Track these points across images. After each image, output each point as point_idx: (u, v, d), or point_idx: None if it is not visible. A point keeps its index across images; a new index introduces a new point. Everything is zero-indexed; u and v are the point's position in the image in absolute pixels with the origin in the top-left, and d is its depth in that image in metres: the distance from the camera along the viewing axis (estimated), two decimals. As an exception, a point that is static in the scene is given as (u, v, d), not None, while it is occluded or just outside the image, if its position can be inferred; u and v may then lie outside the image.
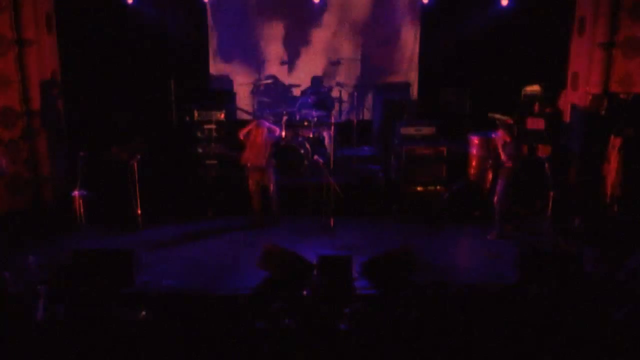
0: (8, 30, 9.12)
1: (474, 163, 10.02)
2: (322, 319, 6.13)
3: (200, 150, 10.54)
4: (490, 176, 9.35)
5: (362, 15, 12.44)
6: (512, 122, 9.90)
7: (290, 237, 8.75)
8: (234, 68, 12.54)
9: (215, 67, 12.49)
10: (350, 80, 12.48)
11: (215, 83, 12.44)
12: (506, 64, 11.58)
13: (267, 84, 12.12)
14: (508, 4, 11.03)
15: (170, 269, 7.76)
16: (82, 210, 9.12)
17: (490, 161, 9.39)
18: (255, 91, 12.27)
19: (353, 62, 12.53)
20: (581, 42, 10.30)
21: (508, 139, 8.73)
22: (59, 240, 8.72)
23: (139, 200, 9.05)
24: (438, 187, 9.80)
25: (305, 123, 10.88)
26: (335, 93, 12.29)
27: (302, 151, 10.36)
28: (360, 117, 12.02)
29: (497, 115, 10.55)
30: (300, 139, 10.59)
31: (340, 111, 12.25)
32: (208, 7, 12.13)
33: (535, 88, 10.71)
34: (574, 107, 10.46)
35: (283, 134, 10.09)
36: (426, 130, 10.36)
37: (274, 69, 12.48)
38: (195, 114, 10.56)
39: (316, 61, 12.59)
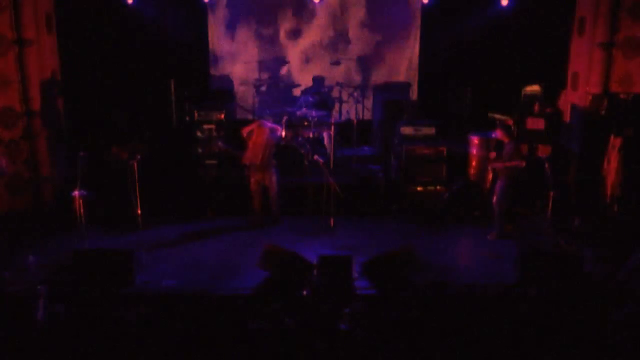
0: (8, 30, 9.12)
1: (474, 163, 10.02)
2: (322, 319, 6.14)
3: (200, 150, 10.54)
4: (490, 176, 9.35)
5: (362, 15, 12.43)
6: (511, 122, 9.92)
7: (290, 237, 8.75)
8: (234, 68, 12.54)
9: (215, 67, 12.50)
10: (350, 80, 12.47)
11: (215, 83, 12.44)
12: (506, 64, 11.58)
13: (267, 84, 12.11)
14: (508, 4, 11.03)
15: (170, 269, 7.76)
16: (82, 210, 9.10)
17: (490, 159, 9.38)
18: (256, 91, 12.27)
19: (353, 62, 12.53)
20: (581, 42, 10.30)
21: (506, 140, 8.74)
22: (59, 240, 8.72)
23: (139, 200, 9.05)
24: (438, 187, 9.80)
25: (305, 123, 10.88)
26: (335, 93, 12.29)
27: (302, 151, 10.37)
28: (360, 117, 12.01)
29: (497, 115, 10.57)
30: (300, 139, 10.59)
31: (340, 111, 12.25)
32: (208, 7, 12.13)
33: (535, 88, 10.71)
34: (574, 107, 10.46)
35: (283, 133, 10.10)
36: (426, 130, 10.36)
37: (274, 68, 12.48)
38: (195, 114, 10.56)
39: (316, 61, 12.59)
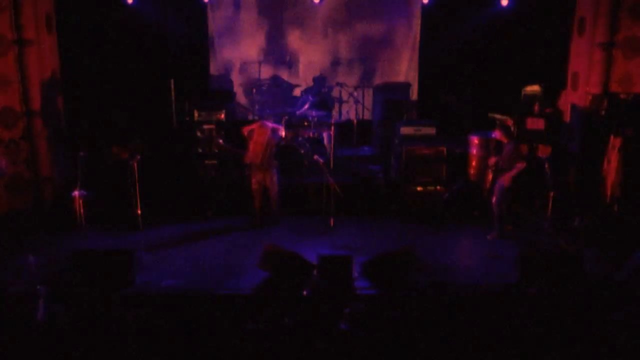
0: (8, 30, 9.12)
1: (474, 163, 10.03)
2: (322, 319, 6.13)
3: (200, 150, 10.54)
4: (490, 176, 9.34)
5: (362, 15, 12.43)
6: (511, 122, 9.92)
7: (290, 237, 8.75)
8: (234, 68, 12.54)
9: (215, 67, 12.50)
10: (350, 80, 12.48)
11: (215, 83, 12.44)
12: (506, 64, 11.59)
13: (267, 84, 12.11)
14: (508, 4, 11.04)
15: (170, 269, 7.76)
16: (82, 210, 9.12)
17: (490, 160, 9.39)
18: (256, 91, 12.27)
19: (353, 62, 12.53)
20: (581, 42, 10.30)
21: (505, 141, 8.74)
22: (59, 240, 8.72)
23: (139, 200, 9.04)
24: (438, 187, 9.80)
25: (305, 123, 10.88)
26: (335, 93, 12.29)
27: (302, 151, 10.37)
28: (360, 117, 12.01)
29: (497, 116, 10.57)
30: (300, 139, 10.59)
31: (340, 111, 12.25)
32: (208, 7, 12.13)
33: (535, 88, 10.71)
34: (574, 107, 10.46)
35: (283, 134, 10.10)
36: (426, 130, 10.36)
37: (274, 68, 12.48)
38: (195, 114, 10.56)
39: (316, 61, 12.60)
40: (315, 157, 9.45)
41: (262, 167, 9.11)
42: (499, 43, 11.76)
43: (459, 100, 11.86)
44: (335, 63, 12.46)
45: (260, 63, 12.42)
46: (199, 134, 10.53)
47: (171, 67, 11.56)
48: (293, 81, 12.53)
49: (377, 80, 12.52)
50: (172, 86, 11.07)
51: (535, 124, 10.11)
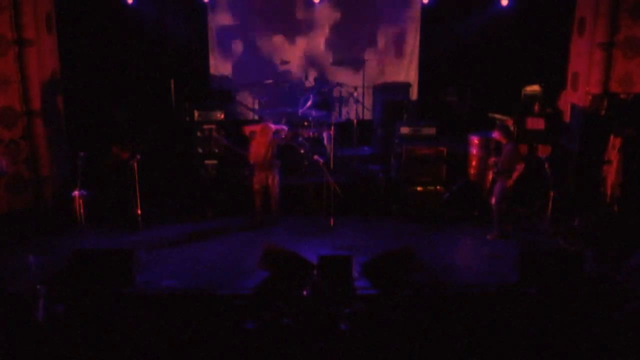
0: (8, 30, 9.12)
1: (474, 163, 10.03)
2: (322, 319, 6.14)
3: (200, 150, 10.54)
4: (490, 176, 9.35)
5: (362, 15, 12.43)
6: (511, 122, 9.92)
7: (290, 237, 8.75)
8: (234, 68, 12.54)
9: (215, 67, 12.50)
10: (350, 81, 12.47)
11: (215, 83, 12.45)
12: (506, 64, 11.59)
13: (267, 83, 12.11)
14: (508, 4, 11.04)
15: (170, 269, 7.76)
16: (82, 210, 9.12)
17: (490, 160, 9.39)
18: (256, 91, 12.26)
19: (353, 62, 12.52)
20: (581, 42, 10.31)
21: (504, 141, 8.74)
22: (59, 240, 8.71)
23: (139, 200, 9.05)
24: (438, 187, 9.79)
25: (305, 123, 10.88)
26: (335, 93, 12.29)
27: (302, 151, 10.37)
28: (360, 117, 12.01)
29: (497, 116, 10.57)
30: (300, 139, 10.59)
31: (340, 111, 12.25)
32: (208, 7, 12.13)
33: (535, 88, 10.71)
34: (574, 107, 10.46)
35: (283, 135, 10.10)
36: (426, 130, 10.37)
37: (274, 68, 12.48)
38: (195, 114, 10.55)
39: (316, 61, 12.59)
40: (315, 157, 9.45)
41: (264, 167, 9.12)
42: (499, 43, 11.76)
43: (459, 100, 11.86)
44: (336, 63, 12.45)
45: (260, 62, 12.40)
46: (199, 134, 10.53)
47: (171, 67, 11.56)
48: (293, 81, 12.51)
49: (377, 80, 12.51)
50: (172, 86, 11.07)
51: (535, 124, 10.12)
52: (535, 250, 7.57)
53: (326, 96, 11.94)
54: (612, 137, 9.29)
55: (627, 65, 9.69)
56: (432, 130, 10.38)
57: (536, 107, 10.27)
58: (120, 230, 9.03)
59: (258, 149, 9.12)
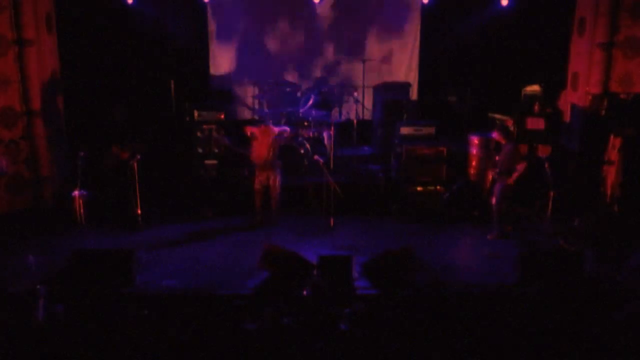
0: (8, 30, 9.12)
1: (474, 163, 10.03)
2: (322, 319, 6.13)
3: (200, 150, 10.54)
4: (490, 176, 9.35)
5: (362, 15, 12.43)
6: (510, 122, 9.92)
7: (290, 237, 8.75)
8: (234, 68, 12.54)
9: (215, 67, 12.49)
10: (350, 80, 12.47)
11: (215, 83, 12.45)
12: (506, 64, 11.59)
13: (268, 83, 12.11)
14: (508, 4, 11.04)
15: (170, 269, 7.76)
16: (82, 210, 9.12)
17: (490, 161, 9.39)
18: (256, 91, 12.26)
19: (353, 62, 12.51)
20: (581, 42, 10.31)
21: (503, 142, 8.74)
22: (59, 240, 8.71)
23: (139, 200, 9.05)
24: (438, 187, 9.80)
25: (305, 123, 10.88)
26: (335, 93, 12.28)
27: (302, 151, 10.37)
28: (360, 117, 12.01)
29: (498, 116, 10.57)
30: (300, 139, 10.59)
31: (340, 111, 12.26)
32: (208, 7, 12.13)
33: (535, 88, 10.72)
34: (574, 107, 10.47)
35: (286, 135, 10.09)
36: (426, 130, 10.37)
37: (274, 68, 12.48)
38: (195, 114, 10.56)
39: (316, 61, 12.59)
40: (315, 157, 9.45)
41: (265, 167, 9.13)
42: (499, 43, 11.76)
43: (459, 100, 11.86)
44: (335, 63, 12.45)
45: (260, 62, 12.41)
46: (199, 134, 10.53)
47: (171, 67, 11.56)
48: (293, 81, 12.51)
49: (377, 80, 12.51)
50: (172, 86, 11.07)
51: (535, 124, 10.12)
52: (535, 250, 7.58)
53: (326, 96, 11.94)
54: (612, 137, 9.29)
55: (627, 65, 9.69)
56: (432, 130, 10.38)
57: (536, 107, 10.27)
58: (120, 230, 9.02)
59: (260, 150, 9.13)
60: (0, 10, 9.06)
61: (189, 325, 5.98)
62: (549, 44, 11.11)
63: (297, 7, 12.35)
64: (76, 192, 9.13)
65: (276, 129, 9.30)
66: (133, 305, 6.41)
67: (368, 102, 12.53)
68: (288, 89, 12.27)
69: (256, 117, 11.81)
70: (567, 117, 10.65)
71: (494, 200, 8.73)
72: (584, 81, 10.15)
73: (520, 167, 8.47)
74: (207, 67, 12.41)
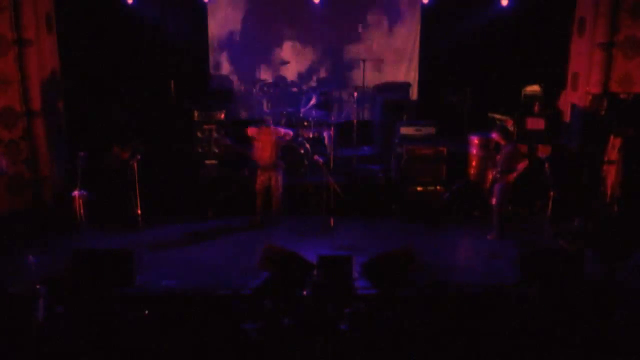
0: (8, 30, 9.12)
1: (474, 163, 10.03)
2: (322, 319, 6.13)
3: (200, 150, 10.53)
4: (490, 176, 9.35)
5: (362, 15, 12.42)
6: (510, 123, 9.92)
7: (290, 237, 8.75)
8: (234, 68, 12.54)
9: (215, 67, 12.49)
10: (350, 81, 12.47)
11: (215, 83, 12.44)
12: (506, 64, 11.58)
13: (268, 83, 12.12)
14: (508, 4, 11.03)
15: (170, 269, 7.76)
16: (82, 210, 9.12)
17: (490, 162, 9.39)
18: (256, 91, 12.26)
19: (353, 62, 12.52)
20: (581, 42, 10.31)
21: (503, 142, 8.73)
22: (59, 240, 8.72)
23: (139, 200, 9.05)
24: (438, 187, 9.80)
25: (305, 123, 10.88)
26: (335, 93, 12.28)
27: (302, 151, 10.37)
28: (360, 117, 12.01)
29: (498, 116, 10.57)
30: (300, 139, 10.59)
31: (340, 111, 12.25)
32: (208, 7, 12.13)
33: (535, 88, 10.72)
34: (574, 107, 10.46)
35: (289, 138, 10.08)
36: (426, 130, 10.37)
37: (274, 68, 12.48)
38: (195, 114, 10.55)
39: (316, 61, 12.59)
40: (315, 157, 9.45)
41: (267, 168, 9.13)
42: (499, 43, 11.75)
43: (459, 100, 11.85)
44: (335, 63, 12.45)
45: (260, 62, 12.40)
46: (199, 134, 10.52)
47: (171, 67, 11.56)
48: (293, 81, 12.51)
49: (377, 80, 12.51)
50: (172, 86, 11.07)
51: (535, 124, 10.12)
52: (535, 250, 7.57)
53: (326, 96, 11.95)
54: (612, 137, 9.29)
55: (627, 65, 9.68)
56: (432, 130, 10.38)
57: (536, 107, 10.27)
58: (120, 230, 9.02)
59: (262, 151, 9.13)
60: (0, 10, 9.05)
61: (189, 325, 5.97)
62: (549, 44, 11.10)
63: (297, 7, 12.34)
64: (76, 192, 9.12)
65: (281, 130, 9.30)
66: (133, 305, 6.41)
67: (368, 102, 12.53)
68: (288, 89, 12.28)
69: (256, 118, 11.80)
70: (567, 117, 10.65)
71: (494, 201, 8.73)
72: (584, 81, 10.14)
73: (521, 166, 8.47)
74: (207, 67, 12.41)
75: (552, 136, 10.18)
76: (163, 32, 11.71)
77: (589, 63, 9.97)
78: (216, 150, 10.46)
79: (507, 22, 11.55)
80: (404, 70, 12.62)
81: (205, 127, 10.52)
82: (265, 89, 12.05)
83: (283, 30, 12.47)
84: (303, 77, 12.52)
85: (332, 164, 10.39)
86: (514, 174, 8.49)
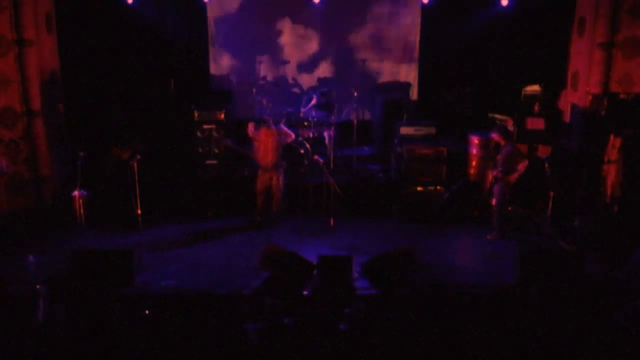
0: (8, 30, 9.12)
1: (474, 163, 10.03)
2: (322, 319, 6.13)
3: (200, 150, 10.54)
4: (490, 176, 9.35)
5: (362, 15, 12.42)
6: (510, 123, 9.92)
7: (290, 237, 8.76)
8: (234, 68, 12.54)
9: (215, 67, 12.49)
10: (350, 80, 12.47)
11: (215, 83, 12.44)
12: (506, 64, 11.58)
13: (268, 83, 12.11)
14: (508, 4, 11.03)
15: (170, 269, 7.76)
16: (82, 210, 9.13)
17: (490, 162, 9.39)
18: (256, 91, 12.26)
19: (354, 62, 12.52)
20: (581, 42, 10.30)
21: (502, 142, 8.73)
22: (59, 240, 8.72)
23: (139, 200, 9.05)
24: (438, 187, 9.80)
25: (305, 123, 10.88)
26: (335, 93, 12.28)
27: (302, 151, 10.37)
28: (360, 117, 12.01)
29: (498, 116, 10.57)
30: (300, 139, 10.59)
31: (340, 111, 12.25)
32: (208, 7, 12.13)
33: (535, 88, 10.71)
34: (574, 107, 10.46)
35: (290, 140, 10.07)
36: (426, 130, 10.37)
37: (275, 68, 12.48)
38: (195, 114, 10.56)
39: (316, 61, 12.59)
40: (315, 157, 9.45)
41: (269, 168, 9.13)
42: (499, 43, 11.75)
43: (459, 100, 11.86)
44: (335, 62, 12.45)
45: (260, 62, 12.41)
46: (199, 134, 10.52)
47: (171, 67, 11.56)
48: (293, 81, 12.51)
49: (377, 80, 12.51)
50: (172, 86, 11.07)
51: (535, 124, 10.12)
52: (535, 251, 7.57)
53: (327, 96, 11.94)
54: (612, 137, 9.29)
55: (627, 65, 9.68)
56: (432, 130, 10.38)
57: (536, 107, 10.26)
58: (120, 230, 9.02)
59: (263, 151, 9.13)
60: (0, 10, 9.06)
61: (189, 325, 5.97)
62: (549, 43, 11.10)
63: (297, 7, 12.34)
64: (76, 192, 9.13)
65: (283, 130, 9.30)
66: (133, 305, 6.41)
67: (368, 102, 12.53)
68: (288, 89, 12.28)
69: (256, 118, 11.79)
70: (567, 117, 10.64)
71: (494, 201, 8.73)
72: (584, 81, 10.14)
73: (522, 166, 8.47)
74: (207, 67, 12.41)
75: (552, 136, 10.18)
76: (163, 32, 11.71)
77: (589, 63, 9.97)
78: (216, 150, 10.46)
79: (507, 22, 11.55)
80: (404, 70, 12.63)
81: (205, 127, 10.52)
82: (265, 88, 12.05)
83: (283, 29, 12.47)
84: (303, 77, 12.51)
85: (332, 164, 10.39)
86: (515, 175, 8.49)
